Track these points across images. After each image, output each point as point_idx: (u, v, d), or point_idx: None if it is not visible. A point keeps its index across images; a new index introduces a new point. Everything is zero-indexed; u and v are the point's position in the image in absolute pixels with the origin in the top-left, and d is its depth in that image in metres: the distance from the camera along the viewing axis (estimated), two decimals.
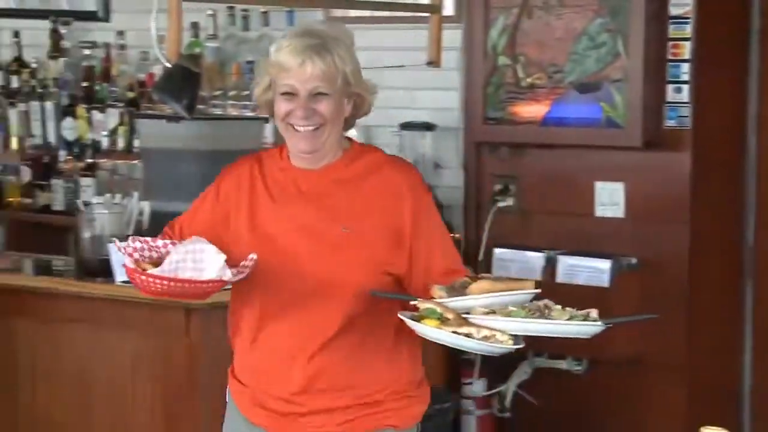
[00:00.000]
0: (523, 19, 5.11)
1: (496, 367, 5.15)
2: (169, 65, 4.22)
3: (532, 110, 5.13)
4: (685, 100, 4.90)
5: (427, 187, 3.21)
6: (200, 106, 4.72)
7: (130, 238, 2.95)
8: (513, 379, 5.19)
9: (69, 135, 6.27)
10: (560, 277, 5.07)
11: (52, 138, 6.36)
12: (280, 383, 3.03)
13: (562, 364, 5.11)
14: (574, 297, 4.78)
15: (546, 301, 2.81)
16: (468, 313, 2.74)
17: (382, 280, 3.02)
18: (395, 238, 3.04)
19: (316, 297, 2.98)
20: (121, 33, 6.21)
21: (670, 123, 4.94)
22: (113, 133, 6.13)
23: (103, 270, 4.28)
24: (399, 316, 2.85)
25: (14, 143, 6.45)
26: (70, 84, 6.32)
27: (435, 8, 4.82)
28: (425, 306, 2.75)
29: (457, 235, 5.35)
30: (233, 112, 5.69)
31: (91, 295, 4.29)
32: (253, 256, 2.86)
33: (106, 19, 6.38)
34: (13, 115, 6.43)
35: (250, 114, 5.61)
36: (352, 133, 5.38)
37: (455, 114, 5.40)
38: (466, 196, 5.41)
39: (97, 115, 6.19)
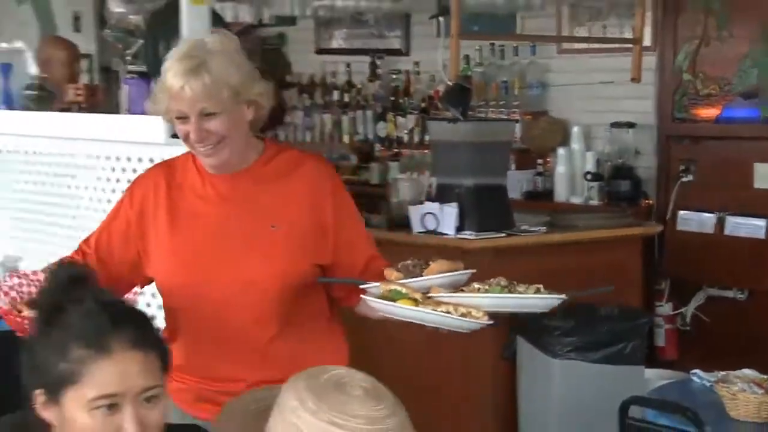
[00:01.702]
0: (702, 47, 4.93)
1: (679, 294, 4.99)
2: (450, 84, 4.18)
3: (707, 112, 4.95)
4: None
5: (341, 179, 2.43)
6: (470, 112, 4.64)
7: (8, 273, 2.15)
8: (692, 303, 5.01)
9: (381, 133, 6.35)
10: (727, 231, 4.83)
11: (370, 135, 6.44)
12: (231, 380, 2.21)
13: (729, 293, 4.89)
14: (739, 246, 4.65)
15: (499, 278, 2.14)
16: (428, 292, 2.12)
17: (311, 271, 2.28)
18: (320, 230, 2.27)
19: (250, 295, 2.21)
20: (416, 63, 6.23)
21: None
22: (411, 131, 6.17)
23: (405, 224, 4.23)
24: (367, 299, 2.14)
25: (346, 139, 6.56)
26: (383, 98, 6.39)
27: (637, 41, 4.67)
28: (390, 288, 2.10)
29: (650, 201, 5.17)
30: (493, 115, 5.67)
31: (397, 241, 4.27)
32: (137, 289, 2.16)
33: (407, 53, 6.43)
34: (345, 120, 6.56)
35: (504, 117, 5.56)
36: (575, 130, 5.32)
37: (651, 116, 5.22)
38: (658, 173, 5.21)
39: (400, 120, 6.26)
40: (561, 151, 5.38)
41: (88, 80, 5.60)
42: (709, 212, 4.91)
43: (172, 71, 2.17)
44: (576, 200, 5.30)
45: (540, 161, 5.55)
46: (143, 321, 1.69)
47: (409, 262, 2.21)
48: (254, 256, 2.22)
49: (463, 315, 2.03)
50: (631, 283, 4.38)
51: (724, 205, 4.88)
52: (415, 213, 4.09)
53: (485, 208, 4.10)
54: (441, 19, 4.13)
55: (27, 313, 1.99)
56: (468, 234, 3.99)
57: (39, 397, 1.64)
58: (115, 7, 3.67)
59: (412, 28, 6.32)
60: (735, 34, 4.81)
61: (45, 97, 4.03)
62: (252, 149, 2.29)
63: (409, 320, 2.07)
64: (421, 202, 4.18)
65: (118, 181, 3.64)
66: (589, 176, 5.26)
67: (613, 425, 2.92)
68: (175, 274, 2.27)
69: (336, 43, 6.81)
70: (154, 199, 2.29)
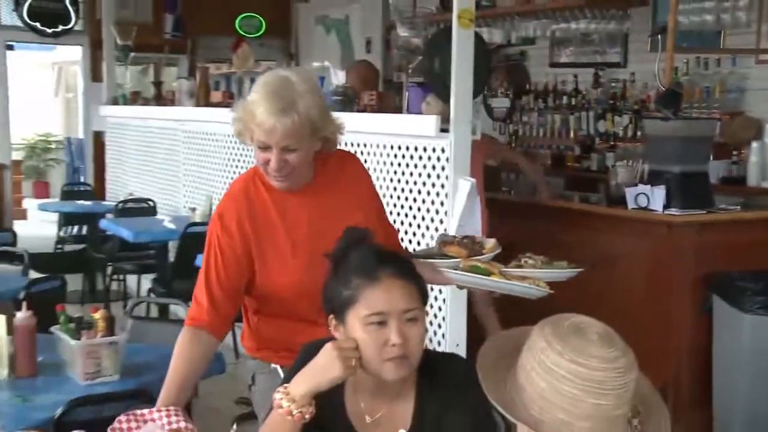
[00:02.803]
0: None
1: None
2: (664, 89, 3.94)
3: None
4: None
5: None
6: (680, 112, 4.34)
7: (124, 414, 1.77)
8: None
9: (601, 129, 6.12)
10: None
11: (591, 131, 6.22)
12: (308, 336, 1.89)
13: None
14: None
15: (530, 254, 2.05)
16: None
17: None
18: (376, 214, 2.14)
19: None
20: (632, 73, 5.96)
21: None
22: (626, 128, 5.91)
23: (621, 201, 4.06)
24: (454, 273, 1.96)
25: (571, 134, 6.34)
26: (603, 102, 6.16)
27: None
28: (470, 264, 1.99)
29: None
30: (695, 114, 5.31)
31: (615, 215, 4.10)
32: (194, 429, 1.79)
33: (625, 65, 6.17)
34: (571, 119, 6.36)
35: (706, 116, 5.18)
36: None
37: None
38: None
39: (617, 119, 6.03)
40: (755, 144, 5.02)
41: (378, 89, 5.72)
42: None
43: (263, 108, 1.92)
44: (767, 185, 4.88)
45: (735, 152, 5.20)
46: (404, 260, 1.76)
47: (460, 237, 2.06)
48: None
49: (536, 286, 1.98)
50: None
51: None
52: (630, 193, 3.97)
53: (689, 189, 3.93)
54: (659, 36, 3.88)
55: None
56: (674, 211, 3.88)
57: (332, 321, 1.72)
58: (402, 32, 3.74)
59: (630, 45, 6.07)
60: None
61: (347, 101, 4.15)
62: (310, 166, 2.06)
63: (493, 290, 1.99)
64: (635, 185, 4.04)
65: (399, 165, 3.71)
66: None
67: None
68: (287, 280, 2.04)
69: (565, 59, 6.62)
70: (250, 222, 2.03)
